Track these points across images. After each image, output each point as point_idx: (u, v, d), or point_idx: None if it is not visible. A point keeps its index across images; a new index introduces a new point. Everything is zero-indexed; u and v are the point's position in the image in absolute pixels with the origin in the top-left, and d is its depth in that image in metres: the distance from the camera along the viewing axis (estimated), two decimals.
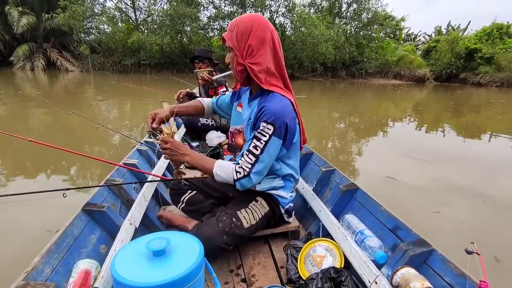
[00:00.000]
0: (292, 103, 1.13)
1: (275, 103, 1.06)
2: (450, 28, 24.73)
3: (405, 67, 21.23)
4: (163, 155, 1.16)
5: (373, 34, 20.50)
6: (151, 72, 17.88)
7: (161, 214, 1.49)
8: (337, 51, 18.02)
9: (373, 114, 8.29)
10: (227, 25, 1.13)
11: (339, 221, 1.30)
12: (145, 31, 17.75)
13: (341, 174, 1.62)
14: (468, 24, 34.96)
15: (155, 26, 17.17)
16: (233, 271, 1.21)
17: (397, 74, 21.37)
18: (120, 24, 17.54)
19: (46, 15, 17.07)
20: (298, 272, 1.14)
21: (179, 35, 17.56)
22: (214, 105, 1.47)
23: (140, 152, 2.03)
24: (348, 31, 19.66)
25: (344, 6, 20.32)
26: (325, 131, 5.91)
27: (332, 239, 1.22)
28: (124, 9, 18.07)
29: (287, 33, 18.59)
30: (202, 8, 17.92)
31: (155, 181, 1.57)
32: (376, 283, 0.93)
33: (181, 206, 1.39)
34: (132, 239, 1.10)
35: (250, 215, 1.20)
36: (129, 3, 17.99)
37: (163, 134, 1.14)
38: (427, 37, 27.83)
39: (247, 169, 1.08)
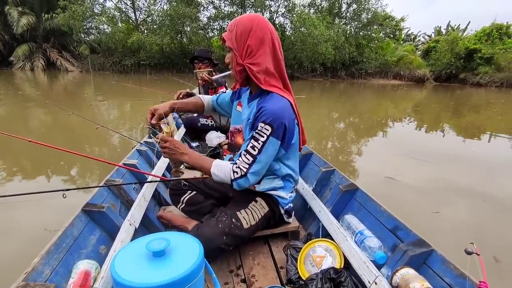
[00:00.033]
0: (291, 103, 1.13)
1: (273, 103, 1.06)
2: (449, 28, 24.75)
3: (404, 68, 21.24)
4: (162, 154, 1.17)
5: (372, 35, 20.51)
6: (151, 72, 17.88)
7: (161, 214, 1.49)
8: (337, 51, 18.03)
9: (373, 114, 8.29)
10: (227, 25, 1.13)
11: (339, 222, 1.30)
12: (145, 31, 17.75)
13: (341, 175, 1.62)
14: (468, 24, 35.17)
15: (155, 26, 17.17)
16: (233, 271, 1.21)
17: (396, 74, 21.38)
18: (120, 24, 17.54)
19: (46, 15, 17.07)
20: (298, 272, 1.14)
21: (179, 35, 17.55)
22: (214, 102, 1.47)
23: (140, 152, 2.03)
24: (348, 31, 19.66)
25: (344, 6, 20.33)
26: (325, 131, 5.92)
27: (332, 239, 1.22)
28: (124, 9, 18.09)
29: (287, 33, 18.60)
30: (202, 8, 17.93)
31: (155, 181, 1.57)
32: (375, 283, 0.93)
33: (181, 207, 1.39)
34: (132, 240, 1.10)
35: (249, 216, 1.20)
36: (129, 3, 18.01)
37: (163, 133, 1.15)
38: (426, 37, 27.85)
39: (244, 169, 1.08)
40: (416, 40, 29.07)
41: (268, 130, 1.05)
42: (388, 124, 6.95)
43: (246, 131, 1.22)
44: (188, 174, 1.41)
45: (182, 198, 1.37)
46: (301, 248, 1.22)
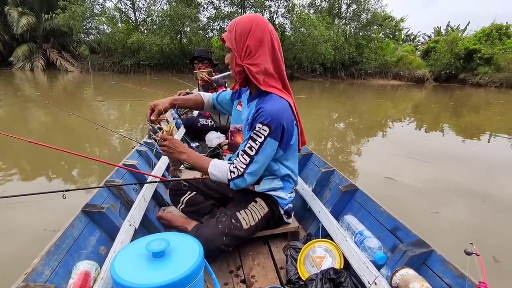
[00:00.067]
0: (290, 104, 1.12)
1: (272, 104, 1.06)
2: (449, 28, 24.78)
3: (404, 68, 21.26)
4: (162, 152, 1.17)
5: (372, 35, 20.53)
6: (151, 72, 17.88)
7: (160, 215, 1.49)
8: (337, 51, 18.04)
9: (373, 114, 8.30)
10: (227, 25, 1.13)
11: (338, 222, 1.30)
12: (145, 31, 17.75)
13: (341, 175, 1.62)
14: (468, 24, 35.04)
15: (155, 27, 17.17)
16: (232, 272, 1.21)
17: (396, 75, 21.40)
18: (119, 25, 17.54)
19: (45, 15, 17.06)
20: (297, 273, 1.14)
21: (179, 36, 17.56)
22: (214, 100, 1.47)
23: (140, 153, 2.03)
24: (348, 32, 19.68)
25: (344, 7, 20.37)
26: (325, 132, 5.92)
27: (332, 240, 1.22)
28: (123, 10, 18.09)
29: (287, 33, 18.62)
30: (201, 9, 17.95)
31: (154, 182, 1.57)
32: (375, 284, 0.93)
33: (181, 207, 1.39)
34: (131, 240, 1.10)
35: (249, 216, 1.20)
36: (128, 3, 18.01)
37: (162, 132, 1.16)
38: (426, 37, 27.87)
39: (241, 170, 1.08)
40: (416, 40, 29.09)
41: (265, 131, 1.05)
42: (388, 124, 6.95)
43: (245, 131, 1.22)
44: (188, 174, 1.41)
45: (182, 199, 1.37)
46: (300, 248, 1.22)
